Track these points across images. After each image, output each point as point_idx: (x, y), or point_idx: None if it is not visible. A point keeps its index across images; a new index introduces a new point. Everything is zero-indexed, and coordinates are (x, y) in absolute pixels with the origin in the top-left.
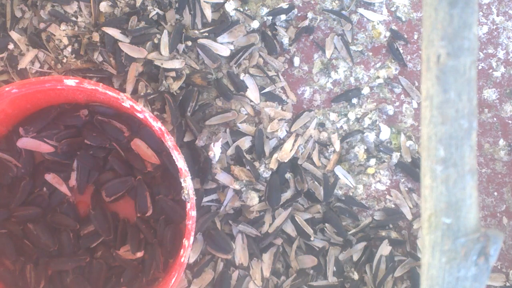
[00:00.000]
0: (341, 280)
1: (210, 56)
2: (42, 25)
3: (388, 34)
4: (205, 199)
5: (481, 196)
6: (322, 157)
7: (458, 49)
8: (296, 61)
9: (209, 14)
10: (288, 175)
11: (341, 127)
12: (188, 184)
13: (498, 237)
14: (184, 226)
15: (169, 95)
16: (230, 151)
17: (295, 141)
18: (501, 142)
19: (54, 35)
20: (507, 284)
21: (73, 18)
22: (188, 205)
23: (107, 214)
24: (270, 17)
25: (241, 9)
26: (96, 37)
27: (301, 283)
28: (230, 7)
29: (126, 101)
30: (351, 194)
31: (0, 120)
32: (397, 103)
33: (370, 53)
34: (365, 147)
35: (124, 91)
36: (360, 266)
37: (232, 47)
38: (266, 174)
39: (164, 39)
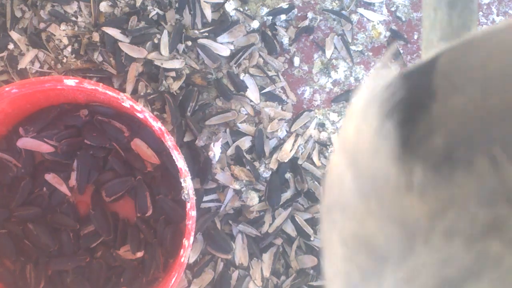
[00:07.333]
0: None
1: (210, 56)
2: (42, 25)
3: (388, 34)
4: (205, 199)
5: None
6: (322, 157)
7: None
8: (296, 61)
9: (209, 14)
10: (288, 175)
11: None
12: (188, 184)
13: None
14: (184, 226)
15: (169, 95)
16: (230, 151)
17: (295, 141)
18: None
19: (54, 35)
20: None
21: (73, 18)
22: (188, 205)
23: (107, 214)
24: (270, 17)
25: (241, 9)
26: (96, 37)
27: (301, 283)
28: (230, 7)
29: (126, 101)
30: None
31: (0, 120)
32: None
33: (370, 53)
34: None
35: (124, 91)
36: None
37: (232, 47)
38: (266, 174)
39: (164, 39)
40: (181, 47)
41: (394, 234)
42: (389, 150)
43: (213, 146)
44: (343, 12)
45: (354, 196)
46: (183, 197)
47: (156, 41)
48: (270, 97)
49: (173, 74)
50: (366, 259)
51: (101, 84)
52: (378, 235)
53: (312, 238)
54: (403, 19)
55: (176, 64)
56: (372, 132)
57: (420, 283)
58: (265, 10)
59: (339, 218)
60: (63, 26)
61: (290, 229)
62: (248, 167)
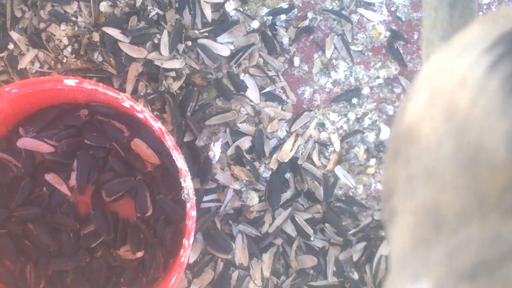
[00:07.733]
0: (341, 280)
1: (210, 56)
2: (42, 25)
3: (388, 34)
4: (205, 199)
5: None
6: (322, 157)
7: None
8: (296, 61)
9: (209, 14)
10: (288, 175)
11: (341, 127)
12: (188, 184)
13: None
14: (184, 226)
15: (169, 95)
16: (230, 151)
17: (295, 141)
18: None
19: (54, 35)
20: None
21: (73, 18)
22: (188, 205)
23: (107, 214)
24: (270, 17)
25: (241, 9)
26: (96, 37)
27: (301, 283)
28: (230, 7)
29: (126, 101)
30: (351, 194)
31: (0, 120)
32: (397, 103)
33: (370, 53)
34: (365, 147)
35: (124, 91)
36: (360, 266)
37: (232, 47)
38: (266, 174)
39: (164, 39)
40: (181, 47)
41: (463, 206)
42: (509, 132)
43: (213, 146)
44: (343, 12)
45: (448, 165)
46: (183, 197)
47: (156, 41)
48: (270, 97)
49: (173, 74)
50: (423, 229)
51: (101, 84)
52: (448, 207)
53: (312, 238)
54: (403, 19)
55: (176, 64)
56: (491, 110)
57: (460, 262)
58: (265, 10)
59: (420, 184)
60: (63, 26)
61: (290, 229)
62: (248, 167)
